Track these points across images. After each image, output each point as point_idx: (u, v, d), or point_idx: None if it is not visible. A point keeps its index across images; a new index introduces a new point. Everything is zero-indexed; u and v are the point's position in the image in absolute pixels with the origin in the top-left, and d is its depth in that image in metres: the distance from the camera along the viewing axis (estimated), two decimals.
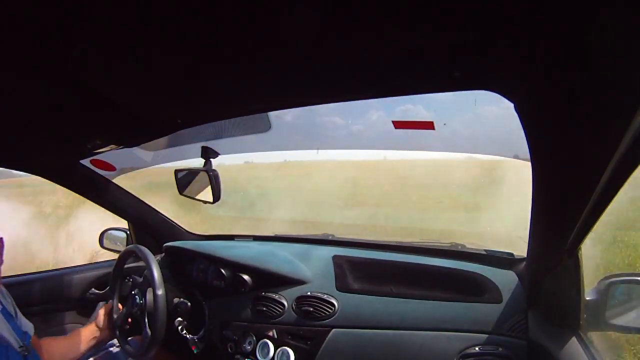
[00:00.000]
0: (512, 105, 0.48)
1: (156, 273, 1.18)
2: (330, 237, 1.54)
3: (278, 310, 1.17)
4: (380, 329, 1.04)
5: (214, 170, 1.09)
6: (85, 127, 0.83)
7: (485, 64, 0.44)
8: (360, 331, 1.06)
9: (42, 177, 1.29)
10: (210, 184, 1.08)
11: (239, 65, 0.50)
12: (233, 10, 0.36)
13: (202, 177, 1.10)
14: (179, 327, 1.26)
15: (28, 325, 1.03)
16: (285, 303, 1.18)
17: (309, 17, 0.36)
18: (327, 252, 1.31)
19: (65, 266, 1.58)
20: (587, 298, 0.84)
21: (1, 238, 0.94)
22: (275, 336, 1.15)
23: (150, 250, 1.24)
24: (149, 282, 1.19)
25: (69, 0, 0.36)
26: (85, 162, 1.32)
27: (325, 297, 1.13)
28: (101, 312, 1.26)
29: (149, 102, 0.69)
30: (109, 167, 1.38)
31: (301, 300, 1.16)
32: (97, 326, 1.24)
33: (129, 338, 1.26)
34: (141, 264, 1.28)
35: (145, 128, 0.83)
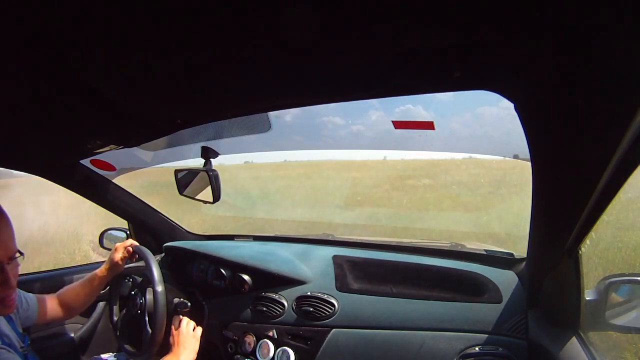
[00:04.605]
0: (512, 105, 0.48)
1: (155, 271, 1.18)
2: (330, 237, 1.54)
3: (278, 310, 1.17)
4: (380, 329, 1.04)
5: (214, 170, 1.09)
6: (85, 127, 0.83)
7: (485, 64, 0.44)
8: (360, 331, 1.06)
9: (42, 177, 1.29)
10: (210, 184, 1.08)
11: (239, 66, 0.50)
12: (233, 10, 0.36)
13: (202, 177, 1.10)
14: None
15: (29, 296, 1.07)
16: (285, 303, 1.17)
17: (309, 17, 0.36)
18: (327, 252, 1.31)
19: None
20: (587, 298, 0.84)
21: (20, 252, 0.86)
22: (275, 336, 1.15)
23: (150, 250, 1.24)
24: (149, 282, 1.19)
25: (69, 0, 0.36)
26: (85, 162, 1.32)
27: (325, 297, 1.13)
28: (116, 246, 1.26)
29: (149, 102, 0.69)
30: (109, 167, 1.38)
31: (301, 300, 1.16)
32: (110, 262, 1.22)
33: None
34: (141, 264, 1.28)
35: (145, 128, 0.82)
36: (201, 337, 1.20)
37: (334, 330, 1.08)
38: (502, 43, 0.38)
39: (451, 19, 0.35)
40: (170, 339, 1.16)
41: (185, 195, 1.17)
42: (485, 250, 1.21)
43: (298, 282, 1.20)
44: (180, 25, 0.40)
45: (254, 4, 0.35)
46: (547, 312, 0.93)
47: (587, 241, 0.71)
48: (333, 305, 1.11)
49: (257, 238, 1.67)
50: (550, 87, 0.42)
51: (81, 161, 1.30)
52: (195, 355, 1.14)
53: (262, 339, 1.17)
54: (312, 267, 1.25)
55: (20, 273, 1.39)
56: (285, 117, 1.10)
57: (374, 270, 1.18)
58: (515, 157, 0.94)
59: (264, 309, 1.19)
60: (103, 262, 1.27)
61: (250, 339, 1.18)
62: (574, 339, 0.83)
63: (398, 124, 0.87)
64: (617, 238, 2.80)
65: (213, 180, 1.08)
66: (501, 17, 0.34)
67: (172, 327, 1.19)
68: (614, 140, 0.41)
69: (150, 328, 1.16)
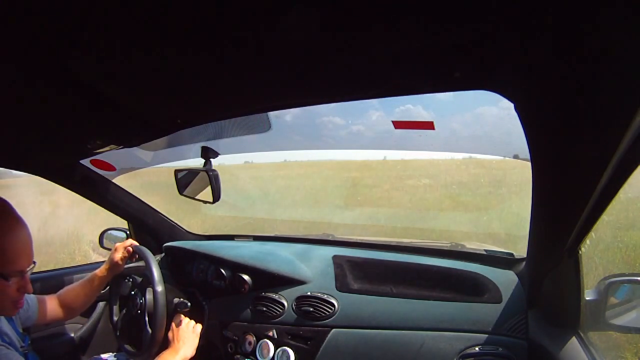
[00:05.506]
0: (512, 105, 0.48)
1: (155, 271, 1.18)
2: (330, 237, 1.54)
3: (278, 310, 1.17)
4: (380, 329, 1.04)
5: (214, 170, 1.09)
6: (85, 127, 0.83)
7: (485, 64, 0.44)
8: (360, 331, 1.06)
9: (42, 177, 1.29)
10: (210, 184, 1.08)
11: (238, 65, 0.50)
12: (233, 10, 0.36)
13: (202, 177, 1.10)
14: None
15: (30, 296, 1.05)
16: (285, 303, 1.18)
17: (309, 17, 0.36)
18: (327, 252, 1.31)
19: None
20: (587, 298, 0.84)
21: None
22: (275, 336, 1.15)
23: (150, 250, 1.24)
24: (149, 282, 1.19)
25: (69, 0, 0.36)
26: (85, 162, 1.32)
27: (325, 297, 1.13)
28: (116, 246, 1.25)
29: (149, 102, 0.69)
30: (109, 167, 1.38)
31: (301, 300, 1.16)
32: (110, 262, 1.22)
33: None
34: (141, 264, 1.28)
35: (145, 128, 0.82)
36: (201, 336, 1.20)
37: (333, 330, 1.08)
38: (502, 43, 0.38)
39: (451, 19, 0.35)
40: (170, 334, 1.17)
41: (185, 196, 1.17)
42: (485, 250, 1.21)
43: (298, 282, 1.20)
44: (180, 25, 0.40)
45: (254, 4, 0.35)
46: (547, 312, 0.93)
47: (587, 241, 0.71)
48: (333, 305, 1.11)
49: (257, 238, 1.67)
50: (550, 87, 0.42)
51: (81, 161, 1.30)
52: (194, 351, 1.14)
53: (262, 339, 1.17)
54: (312, 267, 1.25)
55: None
56: (285, 117, 1.11)
57: (374, 270, 1.18)
58: (515, 157, 0.94)
59: (264, 309, 1.19)
60: (103, 262, 1.27)
61: (250, 339, 1.18)
62: (574, 339, 0.83)
63: (398, 124, 0.87)
64: (617, 238, 2.81)
65: (213, 180, 1.08)
66: (501, 17, 0.34)
67: (172, 324, 1.20)
68: (614, 140, 0.41)
69: (150, 328, 1.16)
